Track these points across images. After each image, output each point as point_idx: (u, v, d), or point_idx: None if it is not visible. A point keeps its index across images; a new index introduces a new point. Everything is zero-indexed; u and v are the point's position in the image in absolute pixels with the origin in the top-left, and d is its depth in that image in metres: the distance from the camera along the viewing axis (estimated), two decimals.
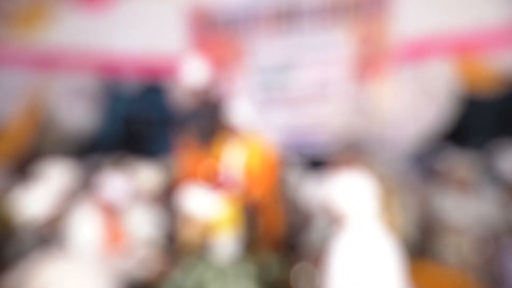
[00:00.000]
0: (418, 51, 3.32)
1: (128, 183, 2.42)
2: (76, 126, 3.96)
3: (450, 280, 2.21)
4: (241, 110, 2.54)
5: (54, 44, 3.99)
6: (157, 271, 2.09)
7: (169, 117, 3.52)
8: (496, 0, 3.11)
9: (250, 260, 1.81)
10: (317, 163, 3.16)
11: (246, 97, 3.27)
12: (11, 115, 3.91)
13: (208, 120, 2.57)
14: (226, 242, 1.81)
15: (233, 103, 2.58)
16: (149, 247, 2.30)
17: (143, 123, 4.13)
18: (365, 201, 1.69)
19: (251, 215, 2.16)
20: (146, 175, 2.74)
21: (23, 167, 2.95)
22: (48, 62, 3.99)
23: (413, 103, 3.33)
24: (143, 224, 2.44)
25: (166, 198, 2.67)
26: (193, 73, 2.64)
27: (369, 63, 3.45)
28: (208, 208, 1.86)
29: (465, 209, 2.54)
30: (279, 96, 3.67)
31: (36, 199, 2.35)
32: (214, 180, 2.36)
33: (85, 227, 2.19)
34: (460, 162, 2.71)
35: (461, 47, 3.21)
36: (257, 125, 2.57)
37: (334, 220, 1.72)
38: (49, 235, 2.22)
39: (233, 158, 2.42)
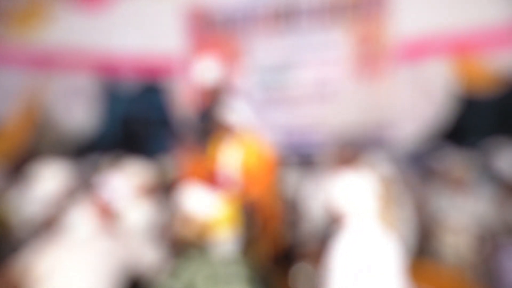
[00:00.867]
0: (416, 51, 3.32)
1: (127, 183, 2.42)
2: (74, 126, 3.95)
3: (448, 279, 2.22)
4: (238, 109, 2.54)
5: (52, 43, 3.98)
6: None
7: (168, 117, 3.52)
8: (495, 0, 3.12)
9: (244, 262, 1.80)
10: (316, 162, 3.16)
11: (242, 97, 3.26)
12: (9, 115, 3.90)
13: (206, 120, 2.57)
14: (224, 242, 1.81)
15: (230, 103, 2.58)
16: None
17: (141, 123, 4.13)
18: (365, 200, 1.69)
19: (249, 215, 2.15)
20: (135, 171, 2.72)
21: (21, 167, 2.94)
22: (46, 62, 3.98)
23: (411, 103, 3.33)
24: (139, 222, 2.44)
25: (164, 197, 2.67)
26: (206, 72, 2.64)
27: (368, 62, 3.46)
28: (207, 208, 1.85)
29: (463, 208, 2.55)
30: (277, 96, 3.67)
31: (33, 200, 2.35)
32: (212, 180, 2.36)
33: (79, 227, 2.18)
34: (457, 162, 2.72)
35: (459, 47, 3.22)
36: (254, 124, 2.57)
37: (334, 220, 1.72)
38: (46, 235, 2.22)
39: (230, 158, 2.42)
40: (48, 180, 2.45)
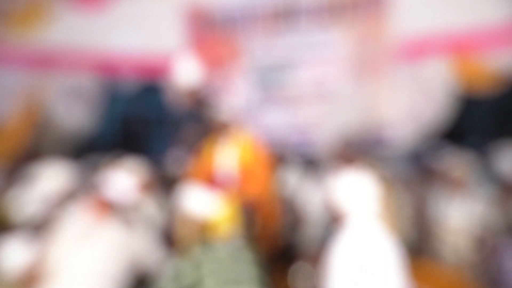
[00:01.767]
0: (416, 50, 3.32)
1: (128, 181, 2.42)
2: (74, 126, 3.95)
3: (448, 279, 2.21)
4: (232, 108, 2.54)
5: (51, 43, 3.97)
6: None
7: (167, 116, 3.51)
8: None
9: (251, 260, 1.80)
10: (315, 162, 3.16)
11: (237, 95, 3.27)
12: (9, 115, 3.89)
13: (200, 120, 2.57)
14: (223, 241, 1.81)
15: (224, 102, 2.58)
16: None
17: (140, 122, 4.13)
18: (365, 200, 1.69)
19: (248, 214, 2.15)
20: (135, 170, 2.72)
21: (21, 166, 2.93)
22: (46, 61, 3.98)
23: (411, 102, 3.33)
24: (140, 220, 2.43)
25: (163, 196, 2.67)
26: (185, 73, 2.64)
27: (367, 62, 3.45)
28: (206, 207, 1.85)
29: (462, 208, 2.55)
30: (276, 95, 3.67)
31: (33, 199, 2.35)
32: (210, 180, 2.36)
33: (76, 226, 2.18)
34: (457, 162, 2.71)
35: (458, 46, 3.22)
36: (247, 123, 2.57)
37: (334, 219, 1.71)
38: (46, 235, 2.22)
39: (227, 157, 2.42)
40: (48, 179, 2.45)
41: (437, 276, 2.22)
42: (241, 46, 3.74)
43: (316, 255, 1.81)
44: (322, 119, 3.53)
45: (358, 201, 1.68)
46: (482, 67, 3.18)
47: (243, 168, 2.38)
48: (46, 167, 2.57)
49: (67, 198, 2.42)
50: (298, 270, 2.05)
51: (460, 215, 2.53)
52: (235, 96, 3.54)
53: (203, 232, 1.82)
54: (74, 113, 3.94)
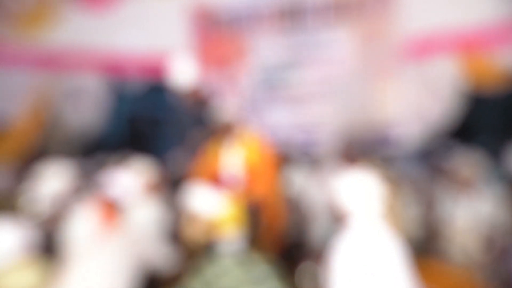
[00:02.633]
0: (423, 48, 3.29)
1: (133, 181, 2.43)
2: (81, 125, 3.98)
3: (457, 279, 2.19)
4: (237, 108, 2.53)
5: (59, 44, 4.01)
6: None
7: (173, 116, 3.52)
8: None
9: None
10: (321, 161, 3.15)
11: (241, 95, 3.27)
12: (17, 115, 3.93)
13: (204, 120, 2.57)
14: (229, 241, 1.81)
15: (229, 101, 2.58)
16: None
17: (147, 122, 4.14)
18: (369, 200, 1.67)
19: (254, 214, 2.15)
20: (141, 169, 2.73)
21: (29, 166, 2.96)
22: (53, 62, 4.01)
23: (418, 101, 3.30)
24: (147, 220, 2.45)
25: (170, 196, 2.68)
26: (181, 75, 2.63)
27: (373, 61, 3.43)
28: (212, 207, 1.85)
29: (471, 208, 2.52)
30: (282, 94, 3.66)
31: (40, 198, 2.37)
32: (216, 179, 2.36)
33: (82, 225, 2.19)
34: (465, 161, 2.69)
35: (466, 45, 3.19)
36: (253, 122, 2.57)
37: (338, 219, 1.71)
38: (53, 232, 2.24)
39: (233, 157, 2.42)
40: (54, 179, 2.47)
41: (445, 277, 2.20)
42: (247, 45, 3.74)
43: (322, 255, 1.80)
44: (328, 118, 3.52)
45: (361, 201, 1.67)
46: (490, 65, 3.15)
47: (249, 168, 2.38)
48: (53, 166, 2.60)
49: (73, 196, 2.44)
50: (305, 270, 2.04)
51: (469, 215, 2.50)
52: (240, 96, 3.54)
53: (209, 232, 1.81)
54: (81, 113, 3.97)
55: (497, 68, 3.11)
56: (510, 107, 3.30)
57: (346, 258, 1.56)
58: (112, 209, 2.15)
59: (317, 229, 2.51)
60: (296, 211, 2.64)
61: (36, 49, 4.03)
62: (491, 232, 2.42)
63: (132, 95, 4.05)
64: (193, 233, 1.84)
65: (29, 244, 1.89)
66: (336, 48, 3.52)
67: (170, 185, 2.78)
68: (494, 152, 2.82)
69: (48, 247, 2.17)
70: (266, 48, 3.69)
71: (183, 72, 2.64)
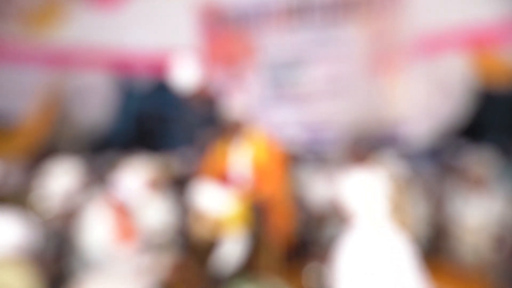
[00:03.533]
0: (432, 45, 3.25)
1: (139, 181, 2.44)
2: (90, 123, 4.00)
3: (467, 278, 2.17)
4: (245, 106, 2.53)
5: (67, 42, 4.03)
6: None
7: (181, 113, 3.53)
8: None
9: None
10: (328, 159, 3.13)
11: (248, 93, 3.25)
12: (27, 112, 3.97)
13: (210, 119, 2.57)
14: (235, 239, 1.81)
15: (237, 100, 2.57)
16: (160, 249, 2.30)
17: (155, 119, 4.16)
18: (376, 199, 1.66)
19: (261, 213, 2.14)
20: (148, 167, 2.74)
21: (39, 162, 2.99)
22: (62, 60, 4.04)
23: (427, 99, 3.27)
24: (156, 217, 2.46)
25: (177, 193, 2.69)
26: (182, 76, 2.63)
27: (382, 58, 3.40)
28: (218, 205, 1.85)
29: (481, 207, 2.49)
30: (289, 92, 3.64)
31: (50, 194, 2.40)
32: (223, 178, 2.36)
33: (97, 226, 2.22)
34: (476, 159, 2.65)
35: (476, 41, 3.14)
36: (260, 121, 2.56)
37: (344, 218, 1.69)
38: (63, 228, 2.26)
39: (241, 155, 2.41)
40: (63, 176, 2.50)
41: (456, 276, 2.18)
42: (254, 43, 3.72)
43: (328, 254, 1.79)
44: (336, 116, 3.50)
45: (367, 200, 1.66)
46: (500, 62, 3.10)
47: (256, 167, 2.37)
48: (62, 163, 2.62)
49: (81, 193, 2.46)
50: (312, 270, 2.03)
51: (479, 214, 2.48)
52: (248, 94, 3.53)
53: (216, 230, 1.82)
54: (89, 110, 4.00)
55: (508, 65, 3.06)
56: None
57: (352, 257, 1.55)
58: (125, 215, 2.17)
59: (324, 228, 2.50)
60: (303, 210, 2.63)
61: (45, 47, 4.06)
62: (502, 231, 2.39)
63: (140, 93, 4.07)
64: (201, 231, 1.85)
65: (26, 244, 1.81)
66: (344, 46, 3.49)
67: (178, 183, 2.79)
68: (505, 150, 2.79)
69: (58, 245, 2.20)
70: (273, 46, 3.67)
71: (185, 73, 2.65)
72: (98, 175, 2.81)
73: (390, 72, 3.38)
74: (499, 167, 2.71)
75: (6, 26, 4.02)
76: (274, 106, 3.59)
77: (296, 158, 3.00)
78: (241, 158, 2.41)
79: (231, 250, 1.76)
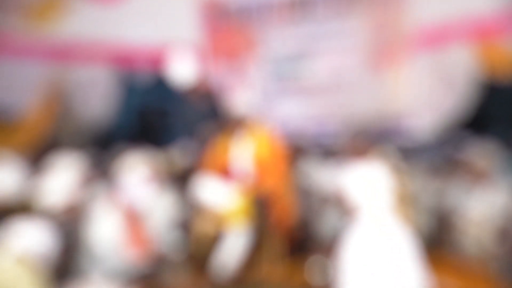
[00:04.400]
0: (436, 37, 3.22)
1: (143, 176, 2.44)
2: (91, 117, 4.00)
3: (470, 271, 2.17)
4: (247, 100, 2.51)
5: (69, 36, 4.02)
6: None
7: (182, 108, 3.53)
8: None
9: None
10: (331, 153, 3.13)
11: (251, 87, 3.24)
12: (29, 106, 3.97)
13: (210, 113, 2.56)
14: (238, 233, 1.81)
15: (238, 94, 2.56)
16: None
17: (157, 113, 4.16)
18: (379, 192, 1.66)
19: (263, 207, 2.14)
20: (151, 161, 2.74)
21: (41, 157, 3.00)
22: (64, 54, 4.03)
23: (431, 91, 3.25)
24: (161, 215, 2.46)
25: (179, 188, 2.69)
26: (179, 71, 2.62)
27: (385, 50, 3.37)
28: (221, 200, 1.86)
29: (485, 200, 2.48)
30: (292, 86, 3.63)
31: (53, 189, 2.40)
32: (226, 172, 2.36)
33: (104, 222, 2.22)
34: (480, 152, 2.64)
35: (481, 32, 3.11)
36: (264, 115, 2.54)
37: (347, 211, 1.69)
38: (67, 223, 2.27)
39: (242, 149, 2.41)
40: (66, 170, 2.50)
41: (459, 269, 2.18)
42: (257, 37, 3.70)
43: (331, 248, 1.79)
44: (339, 109, 3.49)
45: (370, 193, 1.65)
46: (505, 54, 3.07)
47: (259, 161, 2.37)
48: (65, 158, 2.62)
49: (86, 187, 2.47)
50: (315, 263, 2.03)
51: (483, 206, 2.47)
52: (250, 88, 3.52)
53: (219, 224, 1.82)
54: (91, 104, 3.99)
55: None
56: None
57: (356, 250, 1.55)
58: (136, 222, 2.16)
59: (327, 221, 2.50)
60: (306, 203, 2.63)
61: (46, 41, 4.05)
62: (506, 223, 2.39)
63: (141, 87, 4.06)
64: (203, 225, 1.85)
65: (42, 250, 1.85)
66: (347, 38, 3.47)
67: (180, 178, 2.79)
68: (509, 142, 2.77)
69: (64, 240, 2.20)
70: (276, 39, 3.65)
71: (182, 67, 2.63)
72: (101, 170, 2.82)
73: (393, 65, 3.35)
74: (503, 160, 2.70)
75: (7, 20, 4.01)
76: (277, 100, 3.58)
77: (299, 152, 2.99)
78: (243, 152, 2.40)
79: (234, 244, 1.76)
